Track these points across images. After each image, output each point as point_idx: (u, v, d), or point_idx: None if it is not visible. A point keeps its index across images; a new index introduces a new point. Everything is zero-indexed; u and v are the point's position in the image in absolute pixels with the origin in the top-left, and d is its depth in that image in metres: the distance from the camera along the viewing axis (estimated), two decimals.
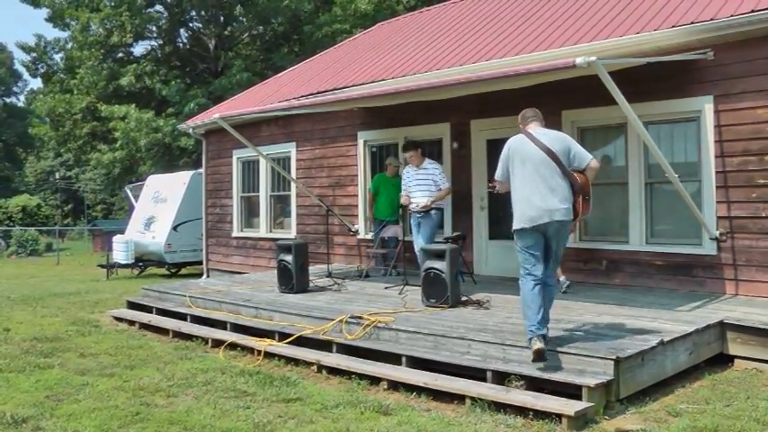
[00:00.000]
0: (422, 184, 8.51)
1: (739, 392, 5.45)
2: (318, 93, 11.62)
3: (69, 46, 28.87)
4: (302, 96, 11.87)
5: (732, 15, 7.21)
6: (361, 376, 5.94)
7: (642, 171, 8.27)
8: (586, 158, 5.45)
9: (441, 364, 5.77)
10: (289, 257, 8.79)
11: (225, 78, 24.11)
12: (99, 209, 58.56)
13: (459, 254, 7.76)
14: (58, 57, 32.16)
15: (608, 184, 8.60)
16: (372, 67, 11.84)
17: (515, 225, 5.46)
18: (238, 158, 14.24)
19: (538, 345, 5.14)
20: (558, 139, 5.49)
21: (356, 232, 11.46)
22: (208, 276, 14.74)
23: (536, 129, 5.59)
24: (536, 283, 5.42)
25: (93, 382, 6.07)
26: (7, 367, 6.68)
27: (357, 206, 11.59)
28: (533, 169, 5.36)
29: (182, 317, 8.61)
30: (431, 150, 10.71)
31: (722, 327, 6.30)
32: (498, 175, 5.66)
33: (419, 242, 8.42)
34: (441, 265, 7.34)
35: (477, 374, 5.48)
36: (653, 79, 7.88)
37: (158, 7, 26.48)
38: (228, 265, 14.46)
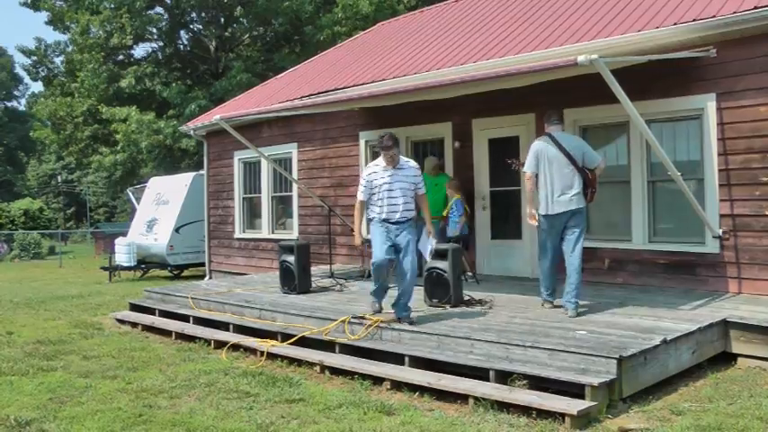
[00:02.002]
0: (403, 189, 6.66)
1: (742, 391, 5.44)
2: (319, 93, 11.62)
3: (70, 49, 28.90)
4: (303, 97, 11.87)
5: (735, 12, 7.19)
6: (364, 376, 5.94)
7: (645, 169, 8.26)
8: (596, 160, 6.86)
9: (444, 364, 5.76)
10: (291, 258, 8.79)
11: (226, 80, 24.12)
12: (101, 212, 58.62)
13: (461, 254, 7.75)
14: (58, 60, 32.26)
15: (610, 182, 8.59)
16: (373, 67, 11.83)
17: (540, 210, 6.81)
18: (240, 160, 14.25)
19: (547, 306, 6.96)
20: (576, 145, 6.87)
21: None
22: (210, 278, 14.74)
23: (559, 133, 6.87)
24: (548, 258, 6.86)
25: (96, 385, 6.07)
26: (10, 370, 6.68)
27: None
28: (556, 168, 6.70)
29: (184, 318, 8.61)
30: (432, 150, 10.72)
31: (725, 325, 6.28)
32: (530, 168, 6.83)
33: (411, 259, 6.61)
34: (443, 264, 7.34)
35: (480, 374, 5.47)
36: (655, 77, 7.86)
37: (158, 9, 26.51)
38: (231, 266, 14.47)
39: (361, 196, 6.82)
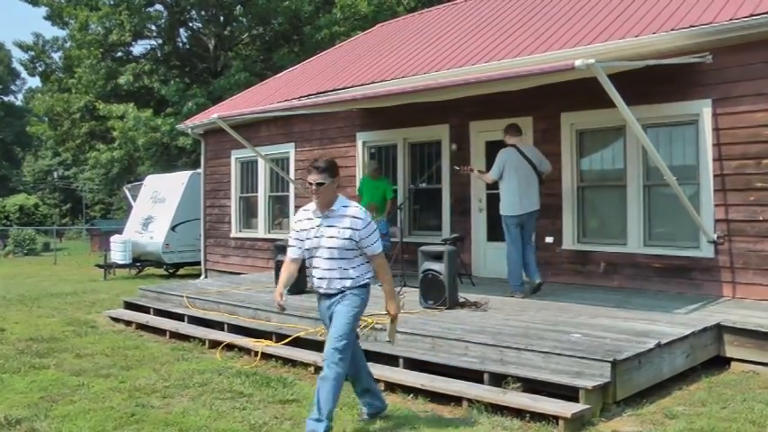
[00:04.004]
0: (332, 248, 4.53)
1: (735, 395, 5.45)
2: (318, 93, 11.61)
3: (68, 45, 28.85)
4: (301, 97, 11.86)
5: (731, 19, 7.22)
6: None
7: (641, 174, 8.27)
8: (548, 166, 8.20)
9: (438, 366, 5.76)
10: None
11: (224, 78, 24.09)
12: (97, 208, 58.43)
13: (457, 256, 7.75)
14: (56, 55, 32.16)
15: (607, 186, 8.60)
16: (372, 68, 11.83)
17: (505, 212, 7.94)
18: (237, 159, 14.23)
19: (519, 296, 7.83)
20: (536, 154, 8.06)
21: None
22: (206, 277, 14.72)
23: (522, 144, 8.03)
24: (519, 251, 7.89)
25: (89, 383, 6.05)
26: (2, 368, 6.66)
27: None
28: (522, 175, 7.82)
29: (179, 317, 8.59)
30: (430, 152, 10.71)
31: (719, 329, 6.30)
32: (494, 173, 7.97)
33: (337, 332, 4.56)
34: (439, 266, 7.34)
35: (474, 376, 5.47)
36: (652, 82, 7.88)
37: (158, 6, 26.48)
38: (227, 265, 14.44)
39: (290, 253, 4.83)
